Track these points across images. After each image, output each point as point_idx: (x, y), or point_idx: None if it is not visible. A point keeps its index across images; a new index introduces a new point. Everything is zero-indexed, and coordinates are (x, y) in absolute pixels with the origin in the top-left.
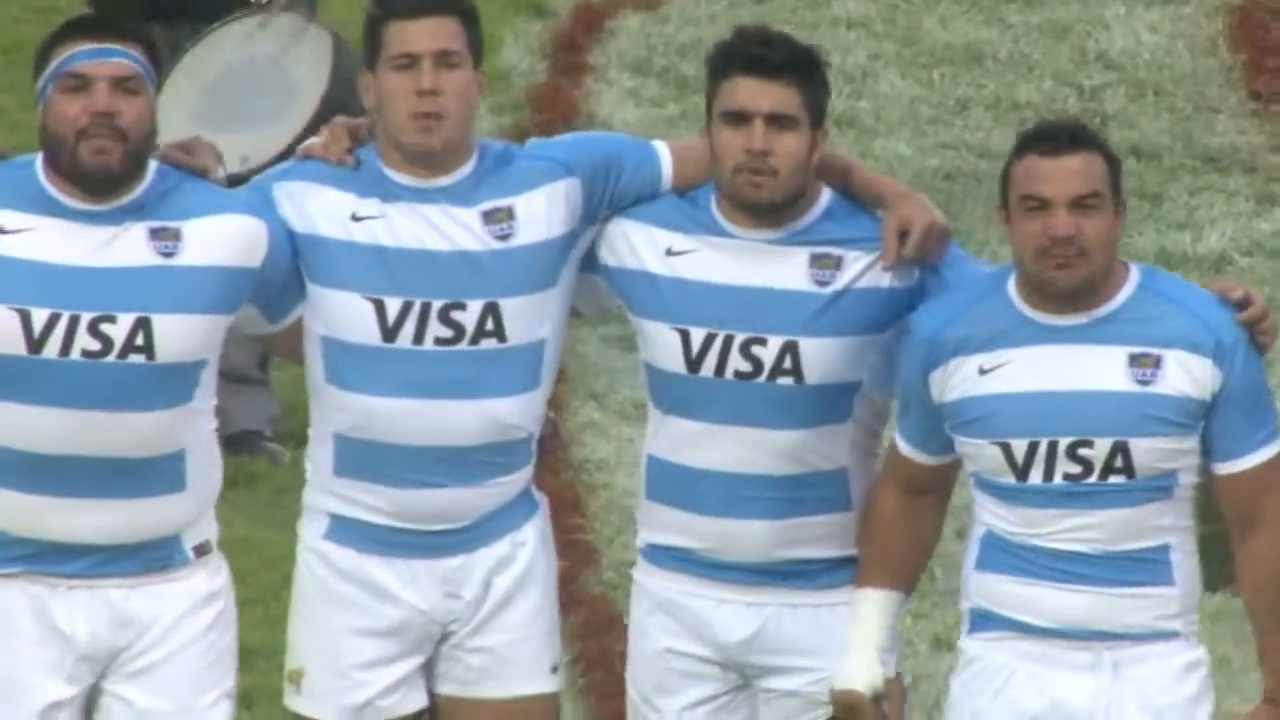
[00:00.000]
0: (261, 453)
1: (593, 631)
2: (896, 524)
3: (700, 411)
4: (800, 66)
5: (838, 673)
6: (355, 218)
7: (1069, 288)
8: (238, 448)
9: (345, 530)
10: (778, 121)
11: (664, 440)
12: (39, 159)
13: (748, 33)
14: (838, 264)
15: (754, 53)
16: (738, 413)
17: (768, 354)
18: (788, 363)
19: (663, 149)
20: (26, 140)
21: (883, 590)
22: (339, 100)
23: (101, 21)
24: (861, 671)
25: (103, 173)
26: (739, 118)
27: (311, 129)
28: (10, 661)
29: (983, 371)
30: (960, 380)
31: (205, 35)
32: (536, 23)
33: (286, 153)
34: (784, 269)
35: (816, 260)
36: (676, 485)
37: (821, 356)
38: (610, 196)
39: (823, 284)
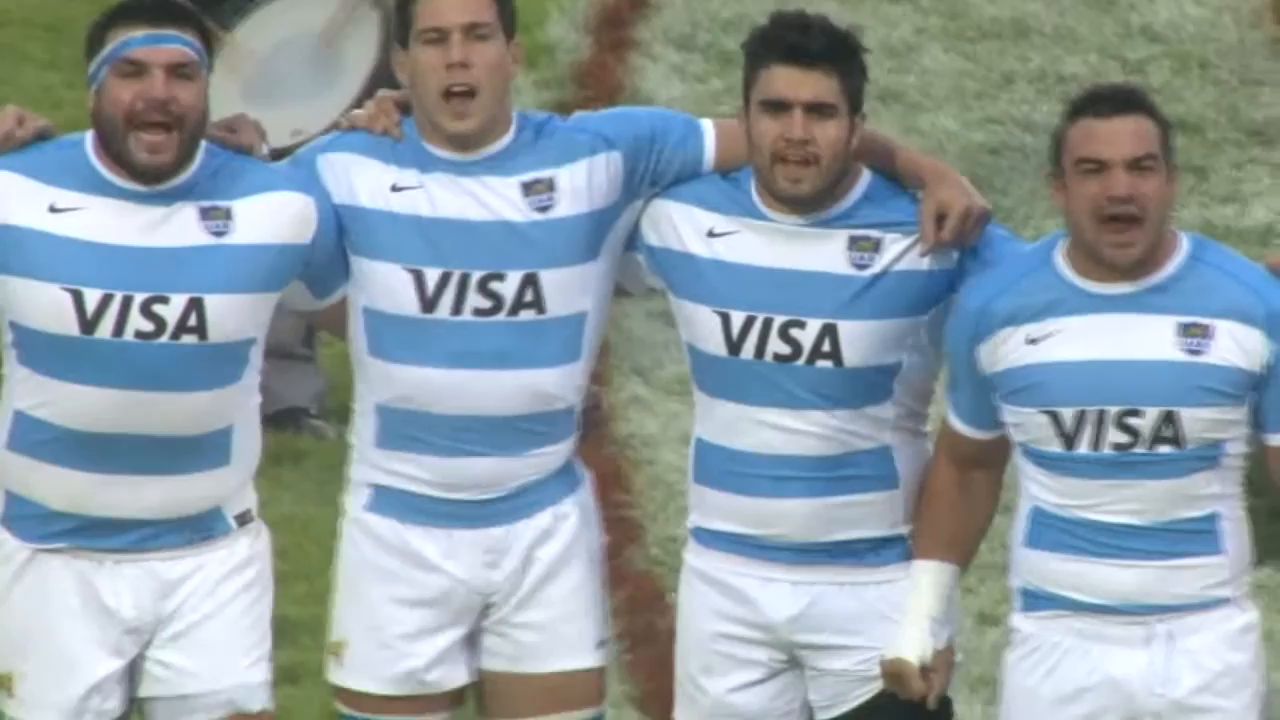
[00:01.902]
0: (307, 429)
1: (638, 607)
2: (949, 497)
3: (741, 394)
4: (839, 53)
5: (889, 642)
6: (395, 188)
7: (1128, 264)
8: (283, 424)
9: (387, 501)
10: (817, 110)
11: (709, 423)
12: (88, 138)
13: (786, 19)
14: (876, 246)
15: (792, 41)
16: (778, 395)
17: (806, 336)
18: (826, 345)
19: (708, 126)
20: (71, 117)
21: (936, 562)
22: (388, 72)
23: (157, 6)
24: (911, 641)
25: (155, 168)
26: (778, 106)
27: (362, 101)
28: (59, 636)
29: (1031, 341)
30: (1009, 351)
31: (252, 12)
32: None
33: (338, 125)
34: (822, 252)
35: (855, 243)
36: (722, 468)
37: (860, 339)
38: (653, 171)
39: (861, 267)
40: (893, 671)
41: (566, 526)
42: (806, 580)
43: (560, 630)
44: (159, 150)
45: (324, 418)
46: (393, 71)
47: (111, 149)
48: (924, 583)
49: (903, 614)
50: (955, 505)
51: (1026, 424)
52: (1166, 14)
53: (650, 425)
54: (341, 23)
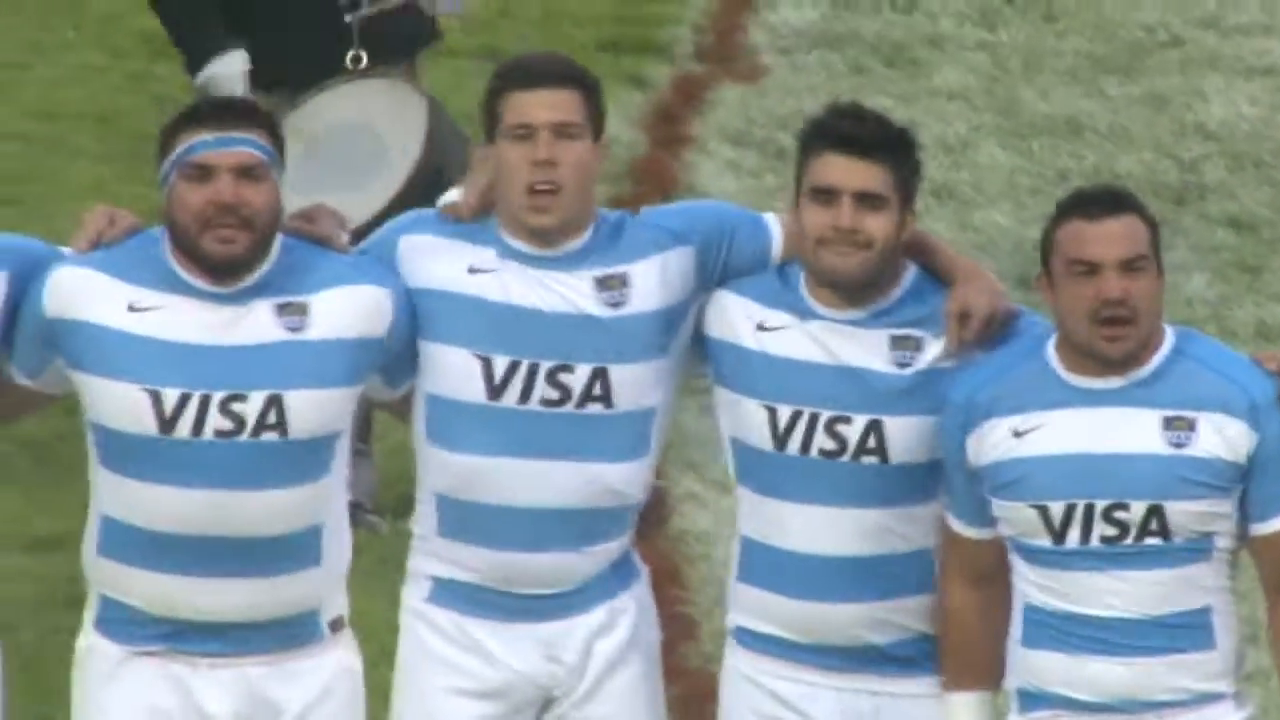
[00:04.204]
0: (361, 524)
1: (692, 705)
2: (969, 622)
3: (787, 490)
4: (893, 145)
5: None
6: (471, 270)
7: (1120, 357)
8: None
9: (447, 593)
10: (867, 200)
11: (752, 521)
12: (165, 237)
13: (841, 108)
14: (918, 345)
15: (846, 130)
16: (822, 492)
17: (852, 432)
18: (872, 441)
19: (773, 221)
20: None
21: (971, 693)
22: (434, 164)
23: (224, 107)
24: None
25: (229, 262)
26: (828, 194)
27: (406, 192)
28: None
29: (1017, 434)
30: (995, 442)
31: (303, 101)
32: (637, 94)
33: (382, 217)
34: (866, 350)
35: (897, 342)
36: (766, 567)
37: (906, 436)
38: (722, 266)
39: (903, 365)
40: None
41: (625, 620)
42: (853, 688)
43: None
44: (231, 241)
45: (378, 513)
46: (438, 164)
47: (184, 250)
48: (960, 716)
49: None
50: (976, 629)
51: (1014, 518)
52: (1221, 113)
53: (704, 521)
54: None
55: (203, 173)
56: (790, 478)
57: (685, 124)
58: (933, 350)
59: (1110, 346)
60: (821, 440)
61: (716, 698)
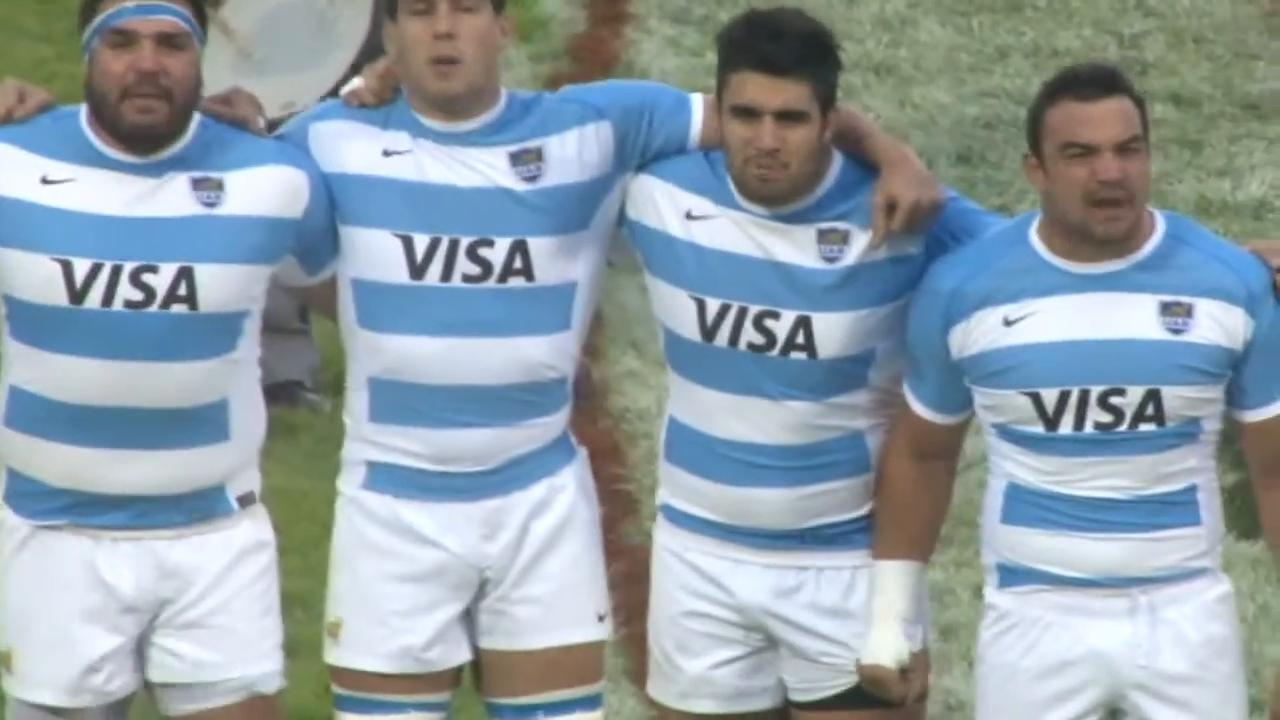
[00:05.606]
0: (301, 403)
1: (634, 581)
2: (911, 493)
3: (715, 381)
4: (812, 59)
5: (863, 647)
6: (385, 153)
7: (1119, 236)
8: (278, 398)
9: (382, 477)
10: (788, 117)
11: (682, 404)
12: (83, 110)
13: (758, 24)
14: (845, 239)
15: (764, 50)
16: (751, 384)
17: (781, 328)
18: (800, 337)
19: (696, 101)
20: (65, 89)
21: (901, 561)
22: (380, 43)
23: None
24: (886, 645)
25: (147, 130)
26: (748, 113)
27: (355, 72)
28: (57, 613)
29: (1008, 322)
30: (984, 333)
31: None
32: None
33: (331, 96)
34: (793, 245)
35: (823, 236)
36: (694, 451)
37: (835, 331)
38: (643, 142)
39: (831, 260)
40: (871, 678)
41: (562, 499)
42: (778, 564)
43: (558, 604)
44: (149, 111)
45: (319, 391)
46: (384, 43)
47: (103, 118)
48: (890, 584)
49: (872, 617)
50: (917, 502)
51: (1004, 406)
52: None
53: (645, 399)
54: None
55: (125, 39)
56: (718, 369)
57: (625, 1)
58: (860, 242)
59: (1108, 227)
60: (750, 334)
61: None
